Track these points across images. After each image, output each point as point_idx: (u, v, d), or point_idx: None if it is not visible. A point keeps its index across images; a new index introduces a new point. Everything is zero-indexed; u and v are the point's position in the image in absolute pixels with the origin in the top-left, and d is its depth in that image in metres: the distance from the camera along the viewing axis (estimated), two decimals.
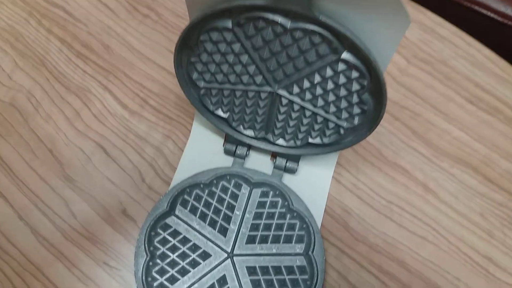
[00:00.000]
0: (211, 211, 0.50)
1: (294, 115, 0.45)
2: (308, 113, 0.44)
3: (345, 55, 0.37)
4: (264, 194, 0.51)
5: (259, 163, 0.53)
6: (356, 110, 0.42)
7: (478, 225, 0.52)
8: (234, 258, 0.48)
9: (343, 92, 0.40)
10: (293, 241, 0.49)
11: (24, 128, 0.55)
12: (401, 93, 0.58)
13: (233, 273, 0.48)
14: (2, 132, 0.55)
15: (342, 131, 0.45)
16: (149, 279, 0.47)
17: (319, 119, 0.44)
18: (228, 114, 0.48)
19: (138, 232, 0.48)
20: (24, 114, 0.56)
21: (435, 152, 0.55)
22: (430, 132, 0.56)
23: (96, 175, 0.53)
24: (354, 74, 0.38)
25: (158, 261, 0.48)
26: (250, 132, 0.50)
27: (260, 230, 0.50)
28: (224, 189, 0.51)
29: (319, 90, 0.41)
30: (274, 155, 0.53)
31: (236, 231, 0.50)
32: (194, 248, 0.49)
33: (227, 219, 0.50)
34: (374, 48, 0.36)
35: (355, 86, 0.39)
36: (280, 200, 0.51)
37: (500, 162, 0.55)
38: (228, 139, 0.52)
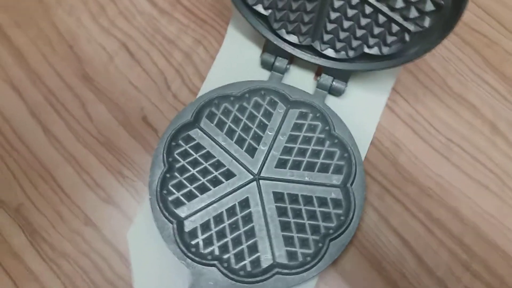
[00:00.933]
0: (239, 128, 0.44)
1: (350, 12, 0.38)
2: (368, 10, 0.37)
3: None
4: (302, 116, 0.45)
5: (301, 81, 0.47)
6: (429, 6, 0.34)
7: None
8: (261, 181, 0.43)
9: None
10: (330, 171, 0.43)
11: (44, 20, 0.50)
12: (474, 12, 0.49)
13: (258, 196, 0.43)
14: (21, 22, 0.50)
15: (407, 38, 0.37)
16: (165, 191, 0.42)
17: (381, 19, 0.37)
18: (269, 11, 0.42)
19: (157, 142, 0.44)
20: (46, 5, 0.51)
21: (510, 87, 0.47)
22: (506, 64, 0.48)
23: (118, 76, 0.48)
24: None
25: (177, 174, 0.43)
26: (293, 38, 0.43)
27: (293, 155, 0.44)
28: (257, 105, 0.45)
29: None
30: (319, 73, 0.46)
31: (266, 152, 0.44)
32: (217, 165, 0.44)
33: (257, 138, 0.44)
34: None
35: None
36: (320, 123, 0.44)
37: None
38: (267, 47, 0.46)
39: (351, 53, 0.42)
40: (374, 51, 0.40)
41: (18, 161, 0.46)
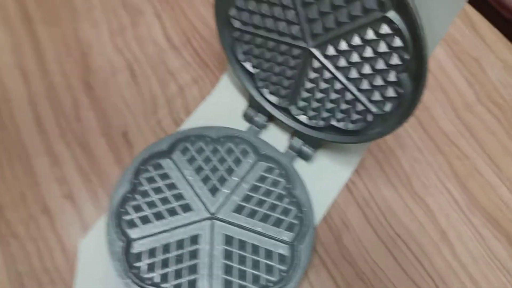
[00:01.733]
0: (208, 168, 0.48)
1: (323, 85, 0.42)
2: (338, 86, 0.41)
3: (391, 13, 0.33)
4: (269, 170, 0.48)
5: (276, 140, 0.50)
6: (390, 92, 0.38)
7: None
8: (215, 221, 0.46)
9: (380, 65, 0.37)
10: (283, 227, 0.45)
11: (69, 25, 0.57)
12: (457, 128, 0.53)
13: (208, 235, 0.45)
14: (49, 21, 0.57)
15: (370, 118, 0.41)
16: (122, 209, 0.45)
17: (348, 96, 0.41)
18: (256, 70, 0.47)
19: (130, 160, 0.48)
20: (76, 13, 0.58)
21: (470, 203, 0.49)
22: (472, 180, 0.50)
23: (114, 91, 0.53)
24: (397, 42, 0.35)
25: (138, 196, 0.46)
26: (273, 99, 0.47)
27: (252, 204, 0.46)
28: (229, 151, 0.49)
29: (355, 57, 0.38)
30: (293, 136, 0.50)
31: (227, 195, 0.47)
32: (179, 197, 0.47)
33: (222, 180, 0.48)
34: (424, 17, 0.33)
35: (395, 60, 0.36)
36: (283, 180, 0.47)
37: None
38: (250, 102, 0.50)
39: (320, 123, 0.45)
40: (341, 125, 0.44)
41: (4, 137, 0.51)
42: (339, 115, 0.43)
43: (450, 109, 0.54)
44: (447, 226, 0.48)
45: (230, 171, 0.48)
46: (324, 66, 0.41)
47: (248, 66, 0.46)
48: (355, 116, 0.42)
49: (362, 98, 0.40)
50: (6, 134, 0.51)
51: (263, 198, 0.47)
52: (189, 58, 0.55)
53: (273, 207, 0.46)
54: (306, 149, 0.49)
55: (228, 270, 0.44)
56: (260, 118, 0.50)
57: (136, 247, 0.44)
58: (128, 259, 0.43)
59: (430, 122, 0.53)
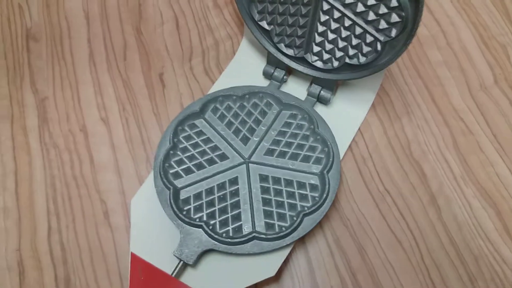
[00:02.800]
0: (237, 121, 0.54)
1: (334, 25, 0.47)
2: (347, 23, 0.46)
3: None
4: (292, 116, 0.54)
5: (296, 90, 0.56)
6: (394, 17, 0.43)
7: (465, 265, 0.48)
8: (250, 164, 0.52)
9: None
10: (311, 161, 0.51)
11: None
12: (468, 105, 0.55)
13: (245, 176, 0.51)
14: None
15: (379, 47, 0.46)
16: (167, 165, 0.51)
17: (358, 31, 0.46)
18: (271, 26, 0.53)
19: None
20: None
21: (466, 174, 0.52)
22: (473, 155, 0.53)
23: (159, 37, 0.62)
24: None
25: (179, 152, 0.52)
26: (290, 51, 0.54)
27: (281, 146, 0.52)
28: (255, 105, 0.54)
29: None
30: (311, 84, 0.55)
31: (257, 142, 0.53)
32: (214, 148, 0.53)
33: (251, 131, 0.53)
34: None
35: None
36: (306, 123, 0.53)
37: None
38: (269, 59, 0.57)
39: (335, 64, 0.51)
40: (354, 61, 0.49)
41: (62, 67, 0.62)
42: (351, 52, 0.48)
43: (465, 88, 0.57)
44: (438, 192, 0.52)
45: (257, 122, 0.54)
46: (333, 6, 0.46)
47: (264, 24, 0.53)
48: (365, 49, 0.47)
49: (370, 29, 0.45)
50: (63, 65, 0.62)
51: (290, 140, 0.52)
52: (228, 17, 0.63)
53: (300, 146, 0.52)
54: (324, 93, 0.54)
55: (266, 202, 0.49)
56: (278, 73, 0.56)
57: (183, 194, 0.50)
58: (177, 205, 0.49)
59: (442, 97, 0.57)
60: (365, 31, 0.46)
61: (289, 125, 0.53)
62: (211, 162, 0.52)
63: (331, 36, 0.49)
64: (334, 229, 0.51)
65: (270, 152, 0.52)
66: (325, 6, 0.47)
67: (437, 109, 0.56)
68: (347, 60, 0.49)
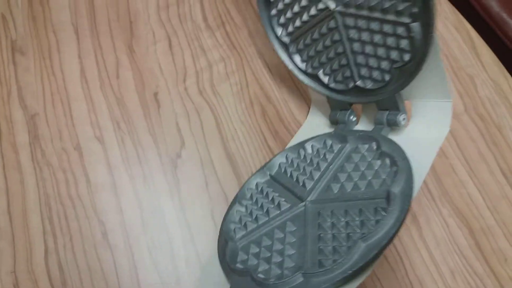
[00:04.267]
0: (298, 172, 0.52)
1: (347, 44, 0.50)
2: (357, 47, 0.49)
3: None
4: (356, 148, 0.49)
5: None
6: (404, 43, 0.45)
7: (443, 279, 0.55)
8: (308, 204, 0.48)
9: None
10: (378, 186, 0.45)
11: None
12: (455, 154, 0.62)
13: (302, 219, 0.47)
14: None
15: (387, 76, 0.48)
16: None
17: (370, 52, 0.48)
18: (289, 38, 0.56)
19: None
20: None
21: (442, 195, 0.59)
22: (448, 177, 0.60)
23: (152, 56, 0.64)
24: None
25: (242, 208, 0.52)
26: (303, 65, 0.56)
27: (343, 179, 0.48)
28: (316, 151, 0.52)
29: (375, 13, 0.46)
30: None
31: (315, 182, 0.50)
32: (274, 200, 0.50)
33: (311, 175, 0.50)
34: None
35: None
36: (373, 151, 0.48)
37: (500, 240, 0.57)
38: (331, 106, 0.57)
39: (350, 84, 0.52)
40: (362, 84, 0.51)
41: (52, 82, 0.62)
42: (363, 71, 0.50)
43: None
44: (419, 211, 0.58)
45: (318, 165, 0.51)
46: (347, 26, 0.49)
47: (283, 38, 0.56)
48: (375, 74, 0.49)
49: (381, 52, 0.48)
50: (53, 81, 0.62)
51: (354, 171, 0.48)
52: (220, 39, 0.66)
53: (365, 175, 0.47)
54: (392, 116, 0.50)
55: (321, 238, 0.44)
56: (342, 115, 0.56)
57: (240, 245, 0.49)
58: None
59: None
60: (377, 57, 0.48)
61: (353, 157, 0.48)
62: (269, 212, 0.50)
63: (342, 59, 0.52)
64: None
65: (330, 188, 0.48)
66: (339, 21, 0.50)
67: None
68: (357, 82, 0.51)
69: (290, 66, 0.58)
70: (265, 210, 0.50)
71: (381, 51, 0.48)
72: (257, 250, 0.47)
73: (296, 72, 0.58)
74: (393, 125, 0.50)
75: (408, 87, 0.47)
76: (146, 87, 0.63)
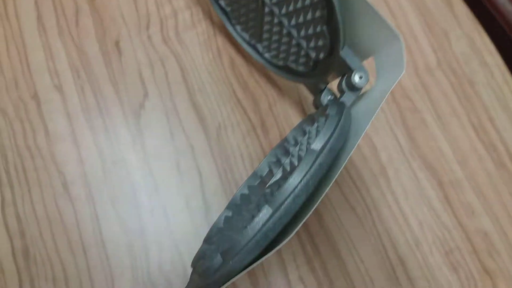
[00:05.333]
0: None
1: (275, 28, 0.50)
2: (284, 31, 0.49)
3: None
4: None
5: None
6: (319, 42, 0.46)
7: (411, 229, 0.56)
8: None
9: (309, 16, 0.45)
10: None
11: None
12: (414, 85, 0.63)
13: None
14: None
15: (311, 63, 0.49)
16: None
17: (293, 42, 0.49)
18: (229, 8, 0.55)
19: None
20: None
21: (412, 148, 0.59)
22: (418, 131, 0.60)
23: (113, 3, 0.62)
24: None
25: None
26: (245, 35, 0.56)
27: None
28: None
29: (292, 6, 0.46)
30: None
31: None
32: None
33: None
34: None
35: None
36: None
37: (468, 193, 0.58)
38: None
39: (280, 62, 0.54)
40: (293, 66, 0.52)
41: (6, 29, 0.60)
42: (291, 57, 0.51)
43: (412, 69, 0.64)
44: (388, 164, 0.58)
45: None
46: (272, 12, 0.49)
47: (222, 4, 0.56)
48: (301, 60, 0.50)
49: (303, 44, 0.48)
50: (8, 27, 0.60)
51: None
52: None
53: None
54: (348, 79, 0.47)
55: None
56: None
57: None
58: None
59: None
60: (299, 45, 0.49)
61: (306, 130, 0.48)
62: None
63: (274, 37, 0.52)
64: None
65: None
66: (266, 9, 0.49)
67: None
68: (288, 63, 0.52)
69: (237, 38, 0.57)
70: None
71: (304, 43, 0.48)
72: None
73: (245, 46, 0.57)
74: (354, 89, 0.46)
75: (345, 47, 0.45)
76: (107, 35, 0.61)
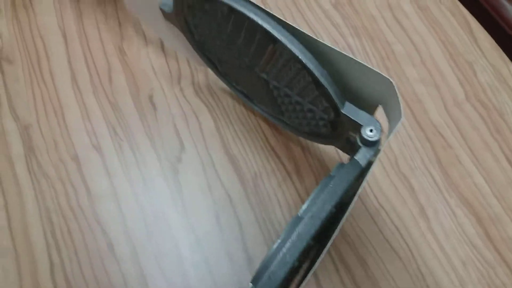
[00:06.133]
0: None
1: (286, 100, 0.50)
2: (294, 100, 0.48)
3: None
4: None
5: None
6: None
7: (455, 269, 0.56)
8: None
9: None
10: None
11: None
12: (445, 121, 0.63)
13: None
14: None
15: (329, 125, 0.48)
16: None
17: (305, 108, 0.48)
18: (245, 91, 0.56)
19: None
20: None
21: (448, 186, 0.60)
22: (453, 167, 0.61)
23: (144, 58, 0.63)
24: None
25: None
26: (267, 110, 0.56)
27: None
28: None
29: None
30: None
31: None
32: None
33: None
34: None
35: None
36: None
37: (509, 227, 0.58)
38: None
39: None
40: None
41: (43, 91, 0.61)
42: (313, 122, 0.51)
43: (441, 104, 0.64)
44: (426, 204, 0.58)
45: None
46: (276, 86, 0.49)
47: (239, 88, 0.57)
48: (320, 123, 0.49)
49: (313, 108, 0.48)
50: (44, 89, 0.61)
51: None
52: None
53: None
54: (360, 135, 0.45)
55: None
56: None
57: None
58: None
59: (422, 114, 0.63)
60: (311, 110, 0.48)
61: None
62: None
63: (290, 107, 0.51)
64: (336, 245, 0.56)
65: None
66: (271, 85, 0.49)
67: (419, 126, 0.62)
68: (312, 128, 0.52)
69: (264, 114, 0.58)
70: None
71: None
72: None
73: (272, 120, 0.58)
74: (369, 143, 0.43)
75: (346, 104, 0.44)
76: (141, 90, 0.62)
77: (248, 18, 0.41)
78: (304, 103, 0.47)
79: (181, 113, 0.61)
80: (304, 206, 0.41)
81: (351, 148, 0.50)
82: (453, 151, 0.61)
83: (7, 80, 0.61)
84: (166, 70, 0.63)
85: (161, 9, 0.51)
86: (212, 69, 0.57)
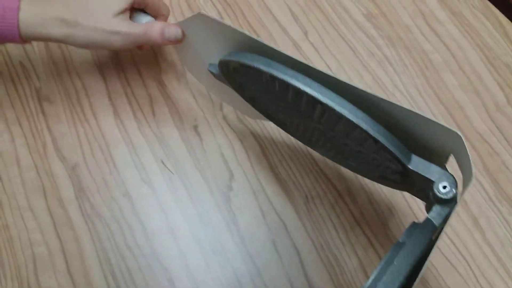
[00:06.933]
0: None
1: (347, 148, 0.46)
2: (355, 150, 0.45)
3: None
4: None
5: None
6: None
7: None
8: None
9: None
10: None
11: None
12: (489, 127, 0.62)
13: None
14: None
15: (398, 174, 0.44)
16: None
17: (370, 157, 0.45)
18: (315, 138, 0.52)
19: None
20: None
21: (498, 193, 0.59)
22: (501, 174, 0.60)
23: (184, 88, 0.63)
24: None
25: None
26: (330, 155, 0.54)
27: None
28: None
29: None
30: None
31: None
32: None
33: None
34: None
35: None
36: None
37: None
38: None
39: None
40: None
41: (87, 129, 0.61)
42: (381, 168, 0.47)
43: (483, 110, 0.63)
44: (479, 214, 0.58)
45: None
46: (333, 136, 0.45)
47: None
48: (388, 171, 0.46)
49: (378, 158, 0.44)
50: (88, 126, 0.61)
51: None
52: None
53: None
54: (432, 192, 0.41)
55: None
56: None
57: None
58: None
59: (464, 121, 0.63)
60: (375, 159, 0.44)
61: None
62: None
63: (354, 155, 0.48)
64: None
65: None
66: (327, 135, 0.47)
67: (463, 135, 0.62)
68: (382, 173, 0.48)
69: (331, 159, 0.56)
70: None
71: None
72: None
73: (340, 163, 0.55)
74: (443, 201, 0.38)
75: (413, 158, 0.40)
76: (185, 121, 0.61)
77: (290, 84, 0.39)
78: (366, 152, 0.43)
79: (227, 141, 0.61)
80: (373, 276, 0.36)
81: (427, 198, 0.43)
82: (499, 158, 0.61)
83: (49, 121, 0.61)
84: (208, 98, 0.63)
85: (210, 71, 0.50)
86: (269, 119, 0.56)
